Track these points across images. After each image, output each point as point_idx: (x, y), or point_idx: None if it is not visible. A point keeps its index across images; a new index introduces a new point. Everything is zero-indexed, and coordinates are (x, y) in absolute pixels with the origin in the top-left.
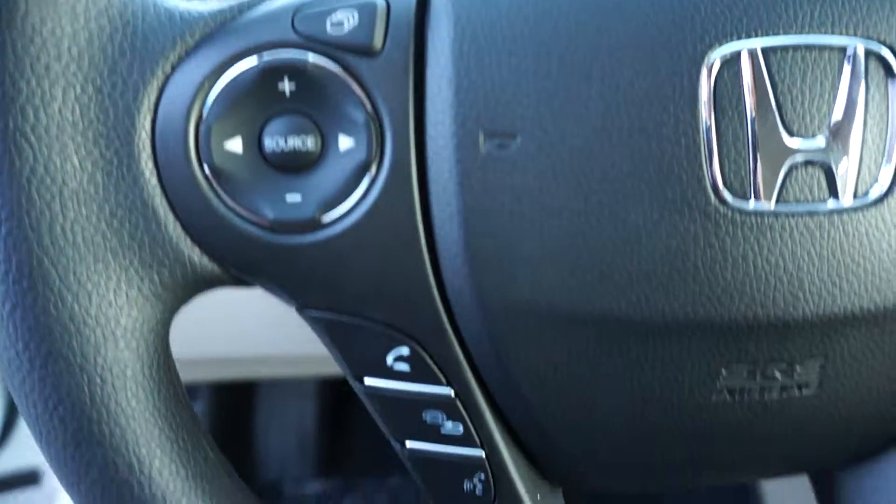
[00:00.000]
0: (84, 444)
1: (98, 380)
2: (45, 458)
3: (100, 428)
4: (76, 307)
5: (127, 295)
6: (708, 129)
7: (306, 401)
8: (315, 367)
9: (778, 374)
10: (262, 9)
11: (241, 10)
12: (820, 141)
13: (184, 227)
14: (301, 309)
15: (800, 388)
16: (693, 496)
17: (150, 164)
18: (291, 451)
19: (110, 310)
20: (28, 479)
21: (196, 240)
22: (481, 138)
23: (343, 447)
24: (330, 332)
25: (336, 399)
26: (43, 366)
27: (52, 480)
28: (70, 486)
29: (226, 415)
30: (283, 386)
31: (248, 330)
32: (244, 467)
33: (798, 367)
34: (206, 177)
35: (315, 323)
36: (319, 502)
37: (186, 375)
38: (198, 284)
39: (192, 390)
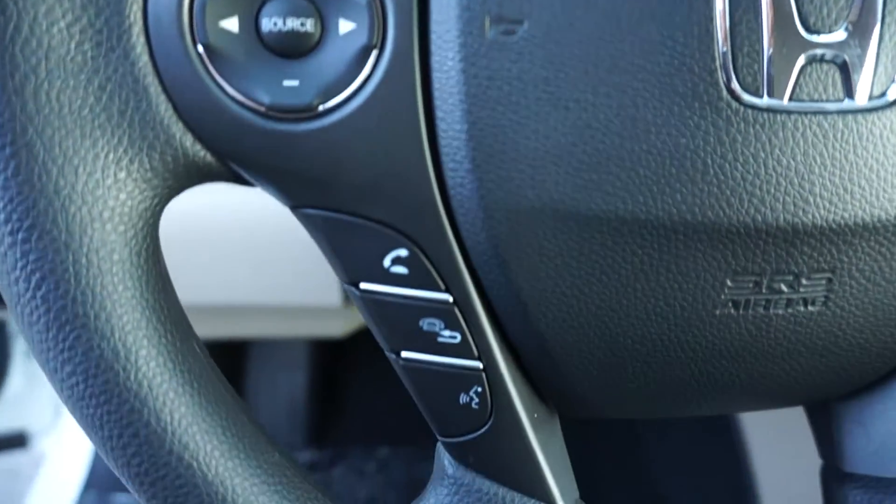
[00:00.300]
0: (68, 326)
1: (84, 260)
2: (27, 342)
3: (84, 310)
4: (61, 181)
5: (115, 175)
6: (722, 19)
7: (297, 370)
8: (303, 326)
9: (784, 288)
10: None
11: None
12: (837, 36)
13: (175, 108)
14: (295, 208)
15: (805, 303)
16: (691, 491)
17: (142, 39)
18: (281, 419)
19: (98, 189)
20: (15, 441)
21: (188, 124)
22: (487, 23)
23: (333, 417)
24: (325, 231)
25: (326, 369)
26: (26, 240)
27: (39, 444)
28: (52, 373)
29: None
30: (273, 355)
31: (235, 278)
32: None
33: (804, 281)
34: (199, 56)
35: (310, 222)
36: (309, 471)
37: None
38: (189, 173)
39: None
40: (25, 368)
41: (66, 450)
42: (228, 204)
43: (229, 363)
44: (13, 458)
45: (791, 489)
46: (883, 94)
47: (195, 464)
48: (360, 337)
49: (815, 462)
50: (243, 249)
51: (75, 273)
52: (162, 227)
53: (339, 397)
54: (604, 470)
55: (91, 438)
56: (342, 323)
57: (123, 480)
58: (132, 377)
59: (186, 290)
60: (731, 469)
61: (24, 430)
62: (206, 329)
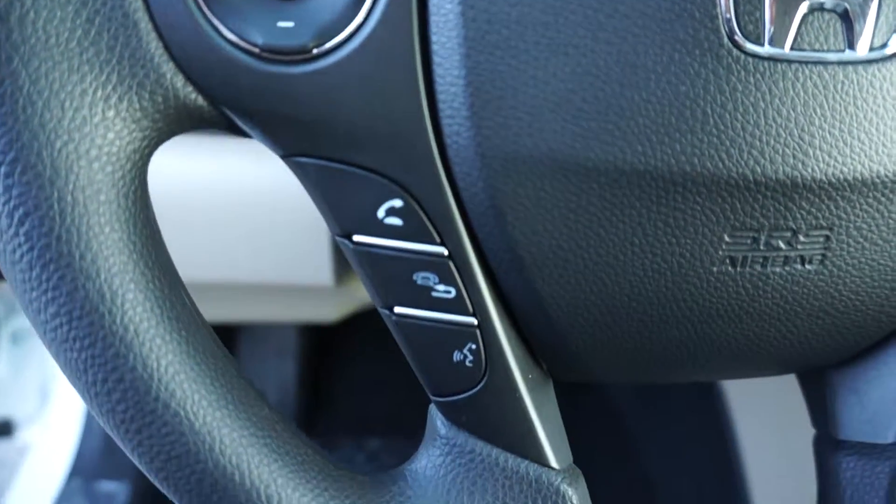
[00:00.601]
0: (52, 265)
1: (69, 198)
2: (9, 282)
3: (69, 249)
4: (47, 115)
5: (103, 113)
6: None
7: (286, 360)
8: (295, 310)
9: (781, 244)
10: None
11: None
12: None
13: (166, 47)
14: (288, 156)
15: (802, 261)
16: (677, 469)
17: None
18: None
19: (85, 126)
20: (0, 430)
21: (179, 64)
22: None
23: (323, 407)
24: (318, 181)
25: (316, 359)
26: (9, 174)
27: (24, 433)
28: (35, 314)
29: None
30: (263, 344)
31: (226, 255)
32: None
33: (802, 238)
34: None
35: (302, 171)
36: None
37: None
38: (181, 117)
39: None
40: (10, 355)
41: (51, 438)
42: (220, 180)
43: None
44: None
45: (777, 465)
46: (884, 46)
47: (182, 412)
48: (351, 327)
49: (799, 435)
50: (234, 226)
51: (60, 210)
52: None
53: (329, 387)
54: (588, 447)
55: (75, 385)
56: (335, 307)
57: (108, 429)
58: (118, 320)
59: (177, 266)
60: (716, 445)
61: (9, 418)
62: None
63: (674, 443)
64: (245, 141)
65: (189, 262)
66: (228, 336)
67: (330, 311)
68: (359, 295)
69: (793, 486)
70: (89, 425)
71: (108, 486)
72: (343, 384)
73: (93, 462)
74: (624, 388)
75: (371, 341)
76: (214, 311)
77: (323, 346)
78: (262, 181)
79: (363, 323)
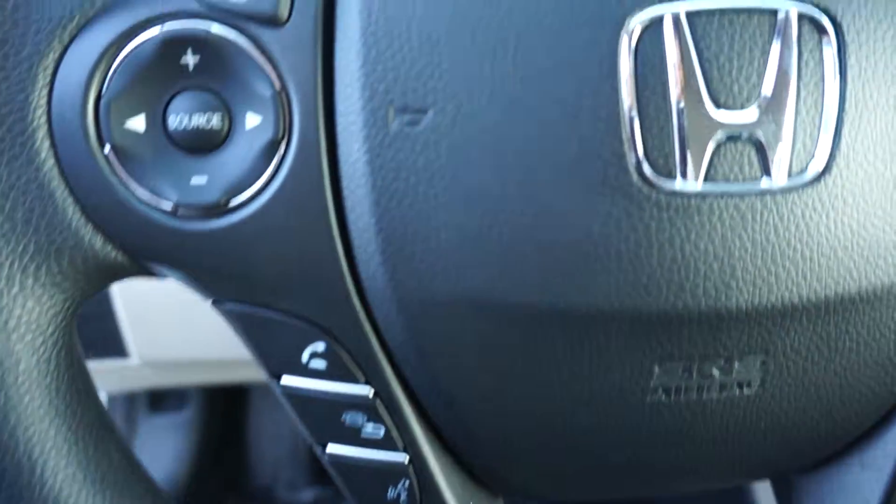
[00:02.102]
0: None
1: None
2: None
3: None
4: None
5: (21, 283)
6: (629, 102)
7: None
8: None
9: (716, 372)
10: None
11: None
12: (750, 113)
13: (83, 211)
14: (215, 303)
15: (741, 386)
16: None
17: (47, 143)
18: (284, 457)
19: (2, 300)
20: None
21: (97, 225)
22: (391, 114)
23: None
24: (244, 326)
25: None
26: None
27: None
28: None
29: (218, 420)
30: (275, 404)
31: (229, 333)
32: (236, 473)
33: (737, 364)
34: (106, 157)
35: (229, 317)
36: None
37: (175, 379)
38: (102, 274)
39: (183, 394)
40: None
41: None
42: None
43: (232, 401)
44: None
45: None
46: (802, 172)
47: None
48: None
49: None
50: None
51: None
52: (153, 283)
53: None
54: None
55: None
56: None
57: None
58: (37, 493)
59: (182, 346)
60: None
61: None
62: (203, 377)
63: None
64: None
65: (198, 342)
66: (240, 398)
67: None
68: None
69: None
70: None
71: None
72: None
73: None
74: None
75: None
76: (227, 376)
77: None
78: None
79: None
